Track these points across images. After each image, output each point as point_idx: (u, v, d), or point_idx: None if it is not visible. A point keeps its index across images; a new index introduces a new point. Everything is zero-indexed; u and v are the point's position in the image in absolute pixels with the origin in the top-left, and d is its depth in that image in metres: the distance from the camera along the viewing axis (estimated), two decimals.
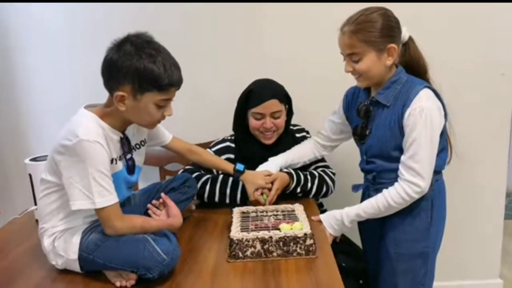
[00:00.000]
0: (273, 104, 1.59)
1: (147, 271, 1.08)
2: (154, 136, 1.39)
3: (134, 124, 1.25)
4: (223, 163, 1.57)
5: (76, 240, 1.16)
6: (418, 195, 1.33)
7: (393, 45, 1.31)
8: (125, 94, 1.10)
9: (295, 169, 1.63)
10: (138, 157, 1.30)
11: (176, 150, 1.48)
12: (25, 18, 1.94)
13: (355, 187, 1.59)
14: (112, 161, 1.16)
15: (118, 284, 1.12)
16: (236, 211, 1.42)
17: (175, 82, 1.13)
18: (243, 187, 1.56)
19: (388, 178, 1.41)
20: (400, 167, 1.35)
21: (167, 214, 1.30)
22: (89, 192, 1.08)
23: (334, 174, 1.71)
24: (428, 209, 1.40)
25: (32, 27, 1.94)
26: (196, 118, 2.00)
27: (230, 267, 1.20)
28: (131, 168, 1.26)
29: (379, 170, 1.44)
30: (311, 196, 1.63)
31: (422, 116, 1.29)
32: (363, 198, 1.57)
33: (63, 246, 1.16)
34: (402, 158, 1.34)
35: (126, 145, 1.23)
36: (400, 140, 1.35)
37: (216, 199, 1.58)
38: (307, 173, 1.65)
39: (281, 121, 1.63)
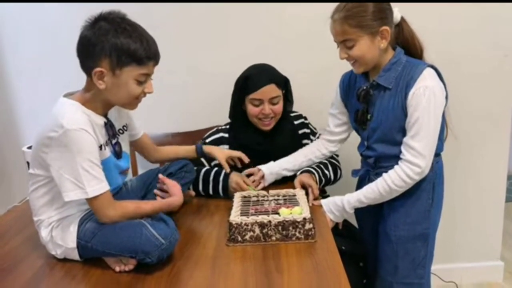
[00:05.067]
0: (271, 90, 1.57)
1: (146, 256, 1.08)
2: (130, 126, 1.35)
3: (115, 109, 1.23)
4: (183, 148, 1.52)
5: (73, 228, 1.15)
6: (418, 176, 1.32)
7: (385, 27, 1.29)
8: (104, 70, 1.08)
9: (308, 167, 1.59)
10: (123, 142, 1.28)
11: (143, 147, 1.43)
12: (22, 5, 1.90)
13: (355, 172, 1.58)
14: (100, 147, 1.15)
15: (117, 269, 1.12)
16: (237, 195, 1.42)
17: (153, 55, 1.12)
18: (225, 178, 1.53)
19: (390, 162, 1.40)
20: (402, 147, 1.33)
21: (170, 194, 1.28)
22: (79, 182, 1.07)
23: (337, 155, 1.70)
24: (429, 191, 1.39)
25: (30, 13, 1.91)
26: (191, 106, 1.98)
27: (230, 251, 1.20)
28: (118, 153, 1.24)
29: (381, 156, 1.43)
30: (330, 184, 1.62)
31: (425, 95, 1.27)
32: (361, 183, 1.55)
33: (61, 235, 1.16)
34: (404, 138, 1.32)
35: (110, 129, 1.21)
36: (403, 122, 1.33)
37: (200, 188, 1.56)
38: (319, 163, 1.62)
39: (279, 107, 1.60)
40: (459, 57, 1.89)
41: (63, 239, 1.15)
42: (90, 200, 1.10)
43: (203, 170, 1.58)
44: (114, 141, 1.23)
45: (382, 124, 1.38)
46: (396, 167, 1.34)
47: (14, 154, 2.00)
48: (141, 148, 1.44)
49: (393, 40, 1.35)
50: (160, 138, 1.93)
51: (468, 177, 2.07)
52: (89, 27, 1.09)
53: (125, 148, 1.30)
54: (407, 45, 1.37)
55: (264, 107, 1.57)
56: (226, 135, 1.67)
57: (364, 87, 1.41)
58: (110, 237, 1.11)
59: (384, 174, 1.35)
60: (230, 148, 1.65)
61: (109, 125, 1.20)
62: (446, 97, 1.34)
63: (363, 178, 1.56)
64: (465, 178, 2.06)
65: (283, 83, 1.62)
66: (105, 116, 1.20)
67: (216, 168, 1.58)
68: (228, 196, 1.52)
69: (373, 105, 1.40)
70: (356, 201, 1.39)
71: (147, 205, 1.19)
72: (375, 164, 1.46)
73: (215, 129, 1.71)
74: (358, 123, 1.47)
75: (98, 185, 1.09)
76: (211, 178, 1.54)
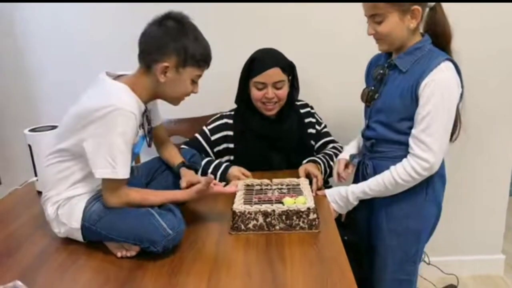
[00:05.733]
0: (275, 73, 1.54)
1: (152, 245, 1.07)
2: (154, 115, 1.35)
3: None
4: (174, 159, 1.41)
5: (79, 208, 1.15)
6: (426, 172, 1.29)
7: (417, 6, 1.25)
8: (169, 66, 1.14)
9: (313, 157, 1.58)
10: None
11: (155, 137, 1.40)
12: None
13: (352, 157, 1.56)
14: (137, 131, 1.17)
15: (119, 254, 1.11)
16: (241, 183, 1.41)
17: (210, 60, 1.23)
18: (223, 173, 1.51)
19: (387, 147, 1.37)
20: (411, 141, 1.30)
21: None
22: (113, 161, 1.08)
23: (341, 147, 1.68)
24: (423, 186, 1.35)
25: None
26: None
27: (232, 239, 1.19)
28: (149, 140, 1.28)
29: (379, 138, 1.40)
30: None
31: (440, 88, 1.24)
32: (357, 169, 1.53)
33: (66, 214, 1.15)
34: (413, 131, 1.29)
35: (149, 117, 1.26)
36: (408, 111, 1.30)
37: None
38: (324, 154, 1.61)
39: (283, 92, 1.58)
40: (475, 47, 1.84)
41: (68, 218, 1.15)
42: (108, 181, 1.11)
43: (205, 160, 1.56)
44: (148, 129, 1.26)
45: (387, 106, 1.35)
46: (404, 160, 1.31)
47: (16, 137, 1.99)
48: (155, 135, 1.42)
49: (424, 25, 1.32)
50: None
51: (472, 170, 2.05)
52: (157, 25, 1.16)
53: None
54: (436, 33, 1.32)
55: (267, 91, 1.55)
56: (230, 121, 1.66)
57: (382, 66, 1.38)
58: (116, 223, 1.11)
59: (391, 167, 1.33)
60: (234, 134, 1.63)
61: (148, 114, 1.25)
62: (461, 94, 1.30)
63: (358, 163, 1.52)
64: (469, 171, 2.04)
65: (289, 69, 1.60)
66: (145, 104, 1.22)
67: (217, 161, 1.57)
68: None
69: (384, 85, 1.37)
70: (361, 192, 1.38)
71: (154, 197, 1.18)
72: (371, 147, 1.43)
73: (218, 114, 1.70)
74: (365, 99, 1.43)
75: (126, 170, 1.11)
76: (209, 170, 1.53)
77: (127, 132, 1.09)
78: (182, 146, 1.64)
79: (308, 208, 1.19)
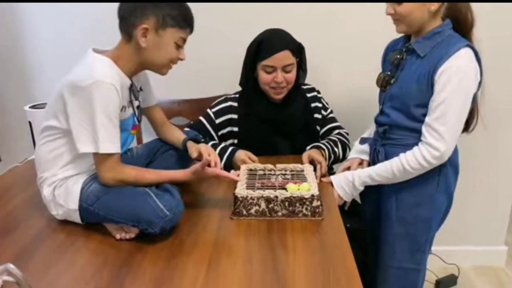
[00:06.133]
0: (286, 56, 1.49)
1: (149, 226, 1.05)
2: (147, 95, 1.33)
3: (136, 77, 1.22)
4: (178, 137, 1.38)
5: (76, 189, 1.12)
6: (436, 160, 1.25)
7: None
8: (148, 27, 1.11)
9: (318, 143, 1.55)
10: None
11: (151, 119, 1.38)
12: None
13: (363, 140, 1.52)
14: (122, 108, 1.14)
15: (117, 236, 1.09)
16: (243, 168, 1.38)
17: (191, 22, 1.18)
18: (229, 157, 1.48)
19: (400, 134, 1.34)
20: (423, 129, 1.26)
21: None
22: (96, 136, 1.06)
23: (347, 133, 1.64)
24: (435, 174, 1.32)
25: None
26: (199, 72, 1.91)
27: (234, 224, 1.17)
28: (139, 116, 1.24)
29: (392, 124, 1.36)
30: (338, 162, 1.57)
31: (457, 75, 1.19)
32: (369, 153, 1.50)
33: (63, 195, 1.13)
34: (427, 119, 1.25)
35: (136, 91, 1.21)
36: (424, 97, 1.26)
37: None
38: (328, 140, 1.57)
39: (293, 75, 1.53)
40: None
41: (65, 199, 1.13)
42: (98, 156, 1.09)
43: (209, 144, 1.52)
44: (136, 104, 1.23)
45: (403, 91, 1.31)
46: (414, 148, 1.28)
47: (17, 114, 1.96)
48: (149, 118, 1.39)
49: (445, 10, 1.27)
50: (166, 104, 1.88)
51: (478, 161, 2.01)
52: None
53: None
54: (458, 18, 1.27)
55: (276, 75, 1.50)
56: (235, 104, 1.61)
57: (400, 50, 1.34)
58: (113, 203, 1.09)
59: (401, 154, 1.30)
60: (239, 117, 1.59)
61: (134, 88, 1.20)
62: (480, 83, 1.26)
63: (369, 149, 1.49)
64: (474, 161, 2.00)
65: (298, 51, 1.54)
66: (131, 78, 1.19)
67: (222, 144, 1.53)
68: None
69: (401, 70, 1.33)
70: (367, 177, 1.34)
71: (150, 175, 1.16)
72: (384, 133, 1.39)
73: (223, 97, 1.65)
74: (380, 84, 1.39)
75: (111, 144, 1.08)
76: (216, 152, 1.48)
77: (108, 105, 1.06)
78: (186, 129, 1.60)
79: (312, 195, 1.17)
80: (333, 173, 1.63)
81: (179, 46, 1.17)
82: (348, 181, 1.36)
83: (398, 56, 1.34)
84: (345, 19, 1.83)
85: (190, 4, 1.19)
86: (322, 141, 1.56)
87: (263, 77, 1.52)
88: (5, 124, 2.05)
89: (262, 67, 1.51)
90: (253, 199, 1.17)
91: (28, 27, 1.92)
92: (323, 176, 1.42)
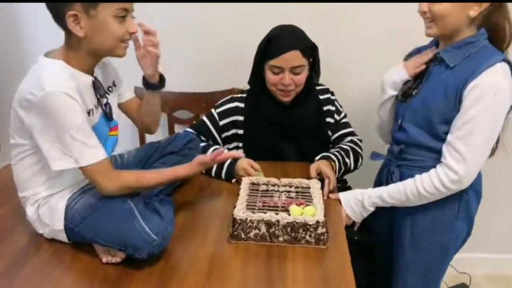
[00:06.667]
0: (294, 57, 1.35)
1: (135, 251, 0.97)
2: (121, 90, 1.21)
3: (100, 66, 1.11)
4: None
5: (61, 207, 1.04)
6: (455, 185, 1.14)
7: None
8: (78, 13, 0.97)
9: (328, 152, 1.43)
10: (114, 99, 1.17)
11: (131, 113, 1.26)
12: None
13: (375, 155, 1.41)
14: (89, 112, 1.03)
15: (104, 259, 1.02)
16: (246, 181, 1.27)
17: None
18: (230, 165, 1.36)
19: (418, 155, 1.23)
20: (444, 148, 1.14)
21: None
22: (68, 150, 0.97)
23: (361, 141, 1.52)
24: (456, 199, 1.20)
25: None
26: (202, 65, 1.80)
27: (231, 249, 1.08)
28: (109, 114, 1.12)
29: (410, 143, 1.24)
30: (349, 172, 1.47)
31: (490, 92, 1.06)
32: (380, 174, 1.40)
33: (48, 214, 1.06)
34: (449, 137, 1.13)
35: (100, 88, 1.09)
36: (451, 114, 1.13)
37: None
38: (339, 149, 1.45)
39: (302, 77, 1.39)
40: None
41: (50, 218, 1.05)
42: (83, 170, 1.00)
43: (211, 148, 1.42)
44: (104, 102, 1.10)
45: (426, 106, 1.18)
46: (431, 170, 1.16)
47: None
48: (127, 114, 1.27)
49: (481, 19, 1.13)
50: (169, 97, 1.78)
51: (498, 168, 1.87)
52: None
53: (115, 107, 1.18)
54: (494, 30, 1.13)
55: (284, 76, 1.37)
56: (242, 105, 1.50)
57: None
58: (98, 225, 1.01)
59: (417, 176, 1.18)
60: (245, 119, 1.48)
61: (98, 82, 1.08)
62: None
63: (383, 169, 1.39)
64: (493, 172, 1.87)
65: (311, 51, 1.41)
66: (92, 74, 1.07)
67: (225, 150, 1.42)
68: (231, 182, 1.37)
69: (426, 80, 1.20)
70: (377, 198, 1.24)
71: (152, 175, 1.07)
72: (399, 154, 1.28)
73: (229, 97, 1.53)
74: (400, 93, 1.27)
75: (91, 153, 0.99)
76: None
77: (69, 116, 0.95)
78: (186, 129, 1.50)
79: (317, 222, 1.07)
80: (348, 187, 1.52)
81: (122, 19, 1.01)
82: (357, 200, 1.26)
83: (424, 65, 1.21)
84: (366, 17, 1.69)
85: None
86: (332, 150, 1.45)
87: (270, 77, 1.40)
88: (6, 124, 1.97)
89: (269, 67, 1.39)
90: (253, 222, 1.08)
91: (28, 27, 1.84)
92: (331, 191, 1.31)
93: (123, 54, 1.06)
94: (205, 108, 1.73)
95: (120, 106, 1.23)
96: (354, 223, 1.30)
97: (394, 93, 1.31)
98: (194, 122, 1.57)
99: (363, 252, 1.44)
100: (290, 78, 1.37)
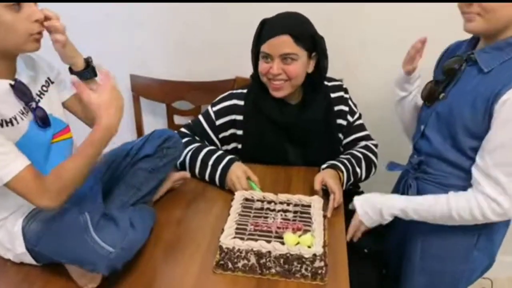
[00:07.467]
0: (283, 42, 1.17)
1: (93, 267, 0.87)
2: (58, 90, 1.05)
3: (28, 64, 0.97)
4: None
5: (17, 229, 0.94)
6: (499, 218, 0.98)
7: None
8: None
9: (337, 160, 1.27)
10: (50, 104, 0.99)
11: (76, 111, 1.09)
12: None
13: (392, 166, 1.24)
14: (10, 122, 0.88)
15: (80, 284, 0.92)
16: (239, 196, 1.13)
17: None
18: (225, 167, 1.22)
19: (438, 169, 1.07)
20: (476, 173, 0.98)
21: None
22: None
23: (376, 146, 1.35)
24: (475, 227, 1.04)
25: None
26: (203, 52, 1.64)
27: (216, 280, 0.96)
28: (42, 119, 0.95)
29: (432, 154, 1.08)
30: (359, 182, 1.32)
31: None
32: (397, 185, 1.24)
33: (7, 239, 0.96)
34: (481, 162, 0.96)
35: (25, 91, 0.93)
36: (479, 128, 0.97)
37: (196, 171, 1.27)
38: (350, 157, 1.29)
39: (294, 68, 1.20)
40: None
41: (10, 242, 0.95)
42: (10, 187, 0.86)
43: (205, 149, 1.28)
44: (33, 106, 0.94)
45: (452, 112, 1.02)
46: (469, 194, 0.99)
47: None
48: (74, 115, 1.11)
49: None
50: (168, 87, 1.64)
51: None
52: None
53: (57, 110, 1.02)
54: None
55: (272, 64, 1.20)
56: (241, 102, 1.33)
57: (458, 56, 1.04)
58: (54, 244, 0.91)
59: (451, 194, 1.02)
60: (244, 119, 1.32)
61: (19, 85, 0.92)
62: None
63: (401, 179, 1.24)
64: None
65: (309, 41, 1.21)
66: (11, 77, 0.92)
67: (220, 152, 1.28)
68: (225, 187, 1.24)
69: (455, 84, 1.03)
70: (399, 211, 1.08)
71: (70, 159, 0.90)
72: (418, 165, 1.13)
73: (228, 93, 1.36)
74: (425, 95, 1.11)
75: (5, 168, 0.84)
76: (210, 162, 1.25)
77: None
78: (181, 129, 1.36)
79: (314, 255, 0.93)
80: (360, 192, 1.37)
81: (19, 8, 0.85)
82: (375, 209, 1.10)
83: (455, 66, 1.02)
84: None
85: None
86: (342, 157, 1.28)
87: (260, 66, 1.23)
88: None
89: (261, 54, 1.22)
90: (241, 252, 0.95)
91: None
92: (336, 208, 1.16)
93: (36, 48, 0.91)
94: (205, 99, 1.58)
95: (64, 107, 1.07)
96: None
97: (403, 93, 1.19)
98: (193, 119, 1.41)
99: (373, 259, 1.31)
100: (280, 68, 1.19)
